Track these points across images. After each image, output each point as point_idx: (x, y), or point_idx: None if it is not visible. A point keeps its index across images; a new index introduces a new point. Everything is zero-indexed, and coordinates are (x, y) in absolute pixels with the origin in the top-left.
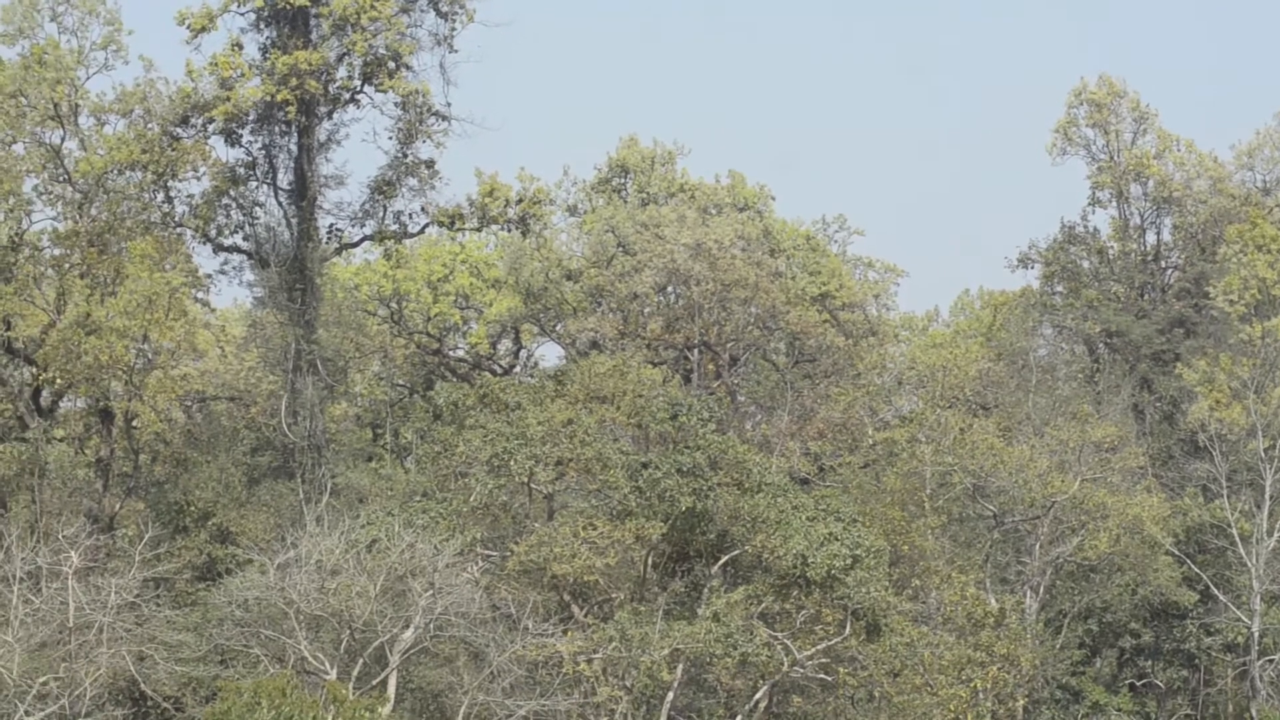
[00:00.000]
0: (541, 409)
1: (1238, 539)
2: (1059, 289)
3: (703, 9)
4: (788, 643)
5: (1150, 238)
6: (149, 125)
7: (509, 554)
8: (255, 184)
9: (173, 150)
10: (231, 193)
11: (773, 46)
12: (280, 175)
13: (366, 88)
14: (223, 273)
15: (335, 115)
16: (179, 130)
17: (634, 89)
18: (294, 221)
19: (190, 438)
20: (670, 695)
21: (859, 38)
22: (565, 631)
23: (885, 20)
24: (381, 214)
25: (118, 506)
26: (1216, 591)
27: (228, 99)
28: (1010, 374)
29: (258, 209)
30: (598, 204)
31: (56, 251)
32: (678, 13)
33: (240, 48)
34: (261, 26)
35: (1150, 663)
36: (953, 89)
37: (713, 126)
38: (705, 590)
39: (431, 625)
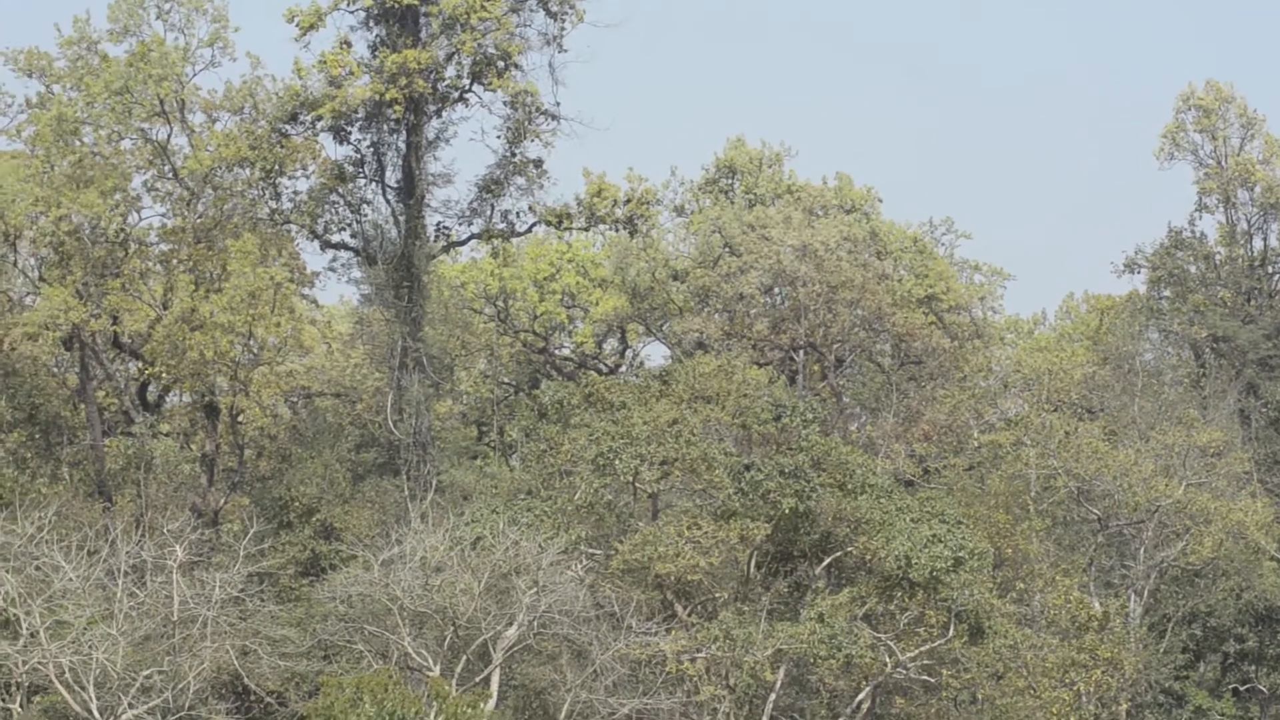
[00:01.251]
0: (647, 409)
1: None
2: (1165, 294)
3: (809, 8)
4: (891, 644)
5: (1257, 243)
6: (257, 122)
7: (613, 553)
8: (363, 181)
9: (281, 147)
10: (339, 190)
11: (882, 47)
12: (388, 173)
13: (475, 87)
14: (330, 270)
15: (444, 114)
16: (287, 127)
17: (742, 89)
18: (401, 219)
19: (295, 433)
20: (773, 696)
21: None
22: (668, 630)
23: (998, 20)
24: (489, 213)
25: (222, 501)
26: None
27: (336, 97)
28: (1116, 378)
29: (365, 206)
30: (705, 204)
31: (163, 247)
32: (786, 13)
33: (349, 46)
34: (370, 25)
35: (1254, 668)
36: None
37: (821, 127)
38: (809, 591)
39: (535, 623)
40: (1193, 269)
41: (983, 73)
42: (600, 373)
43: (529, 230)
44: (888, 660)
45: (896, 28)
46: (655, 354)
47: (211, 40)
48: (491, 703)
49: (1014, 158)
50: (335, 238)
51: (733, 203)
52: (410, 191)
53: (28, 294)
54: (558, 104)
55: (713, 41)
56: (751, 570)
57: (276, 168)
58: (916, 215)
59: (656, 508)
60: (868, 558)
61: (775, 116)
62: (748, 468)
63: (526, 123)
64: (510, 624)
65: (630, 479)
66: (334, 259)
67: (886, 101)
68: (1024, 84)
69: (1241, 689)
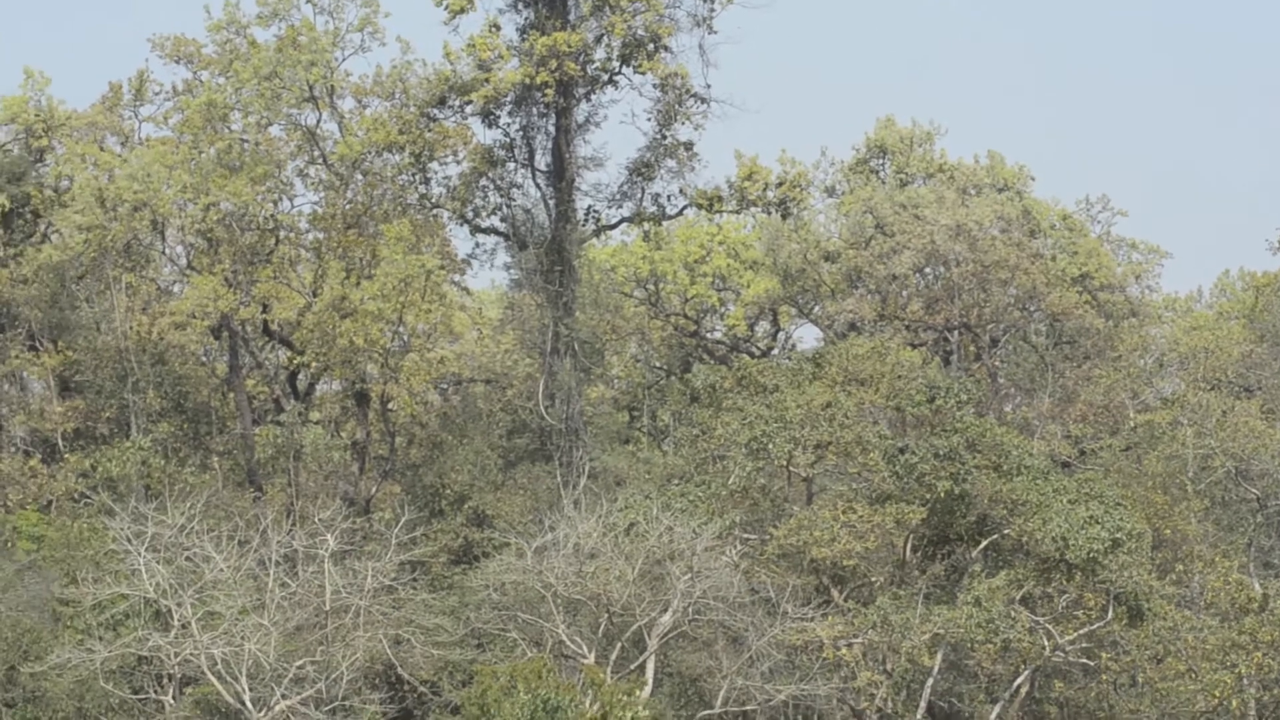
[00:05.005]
0: (800, 391)
1: None
2: None
3: None
4: (1049, 627)
5: None
6: (406, 107)
7: (768, 537)
8: (513, 166)
9: (430, 132)
10: (489, 174)
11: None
12: (538, 157)
13: (625, 69)
14: (475, 257)
15: (593, 97)
16: (436, 112)
17: (892, 68)
18: (551, 203)
19: (446, 420)
20: (930, 680)
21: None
22: (825, 616)
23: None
24: (639, 196)
25: (374, 489)
26: None
27: (486, 81)
28: (1273, 355)
29: (515, 191)
30: (855, 185)
31: (314, 234)
32: None
33: (498, 29)
34: (519, 8)
35: None
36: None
37: (972, 104)
38: (965, 574)
39: (690, 609)
40: None
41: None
42: (752, 356)
43: (680, 213)
44: (1046, 643)
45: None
46: (808, 336)
47: (361, 25)
48: (647, 690)
49: (1169, 136)
50: (485, 222)
51: (884, 183)
52: (560, 175)
53: (176, 282)
54: (708, 86)
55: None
56: (907, 554)
57: (426, 153)
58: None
59: (811, 492)
60: (1024, 540)
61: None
62: (902, 450)
63: (677, 105)
64: (665, 610)
65: (784, 463)
66: (482, 244)
67: (1035, 78)
68: (1180, 63)
69: None
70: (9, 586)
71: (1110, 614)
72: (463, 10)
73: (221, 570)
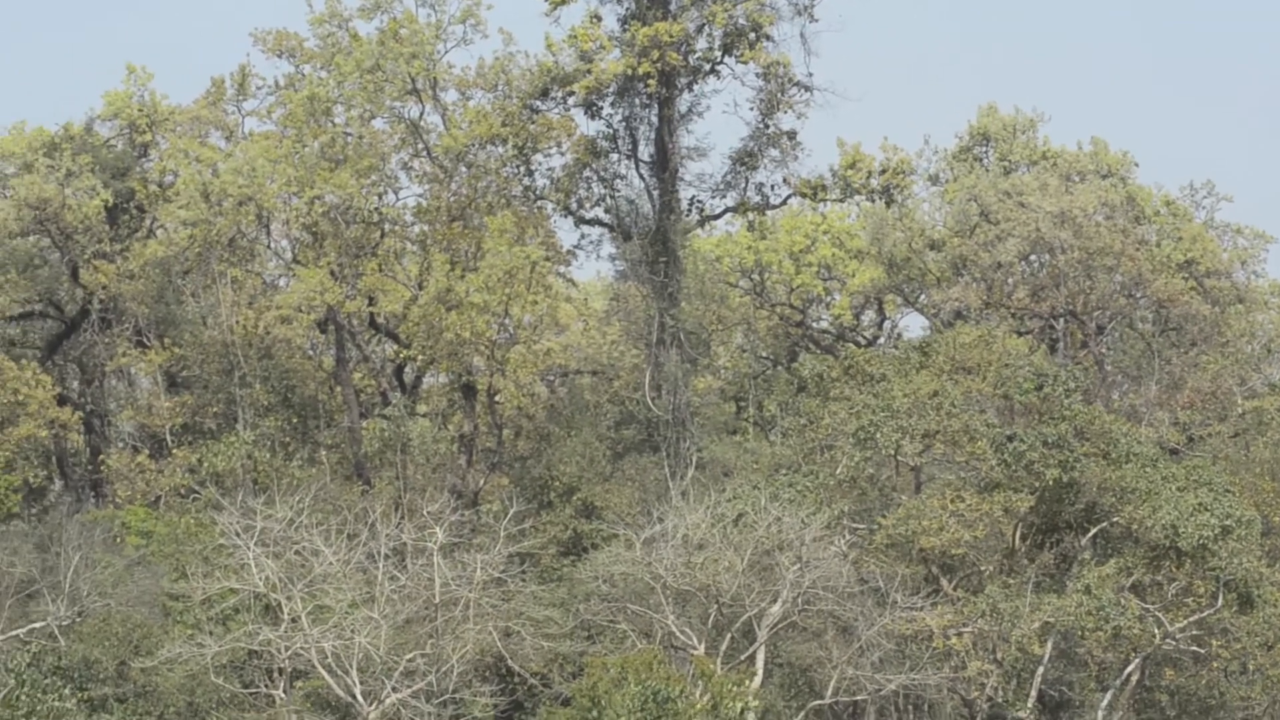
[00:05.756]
0: (907, 380)
1: None
2: None
3: None
4: (1159, 615)
5: None
6: (509, 99)
7: (876, 527)
8: (616, 157)
9: (533, 124)
10: (592, 165)
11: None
12: (641, 147)
13: (727, 59)
14: (580, 248)
15: (695, 87)
16: (539, 104)
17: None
18: (655, 194)
19: (553, 412)
20: (1040, 669)
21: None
22: (934, 605)
23: None
24: (743, 185)
25: (481, 482)
26: None
27: (588, 72)
28: None
29: (619, 181)
30: (959, 173)
31: (418, 227)
32: None
33: (599, 20)
34: None
35: None
36: None
37: (1073, 90)
38: (1075, 562)
39: (799, 599)
40: None
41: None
42: (858, 345)
43: (784, 202)
44: (1156, 631)
45: None
46: (913, 325)
47: (464, 17)
48: (757, 680)
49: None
50: (589, 214)
51: (987, 170)
52: (664, 165)
53: (281, 276)
54: (810, 74)
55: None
56: (1016, 542)
57: (529, 144)
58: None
59: (919, 481)
60: (1133, 527)
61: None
62: (1010, 439)
63: (779, 94)
64: (774, 601)
65: (892, 452)
66: (586, 235)
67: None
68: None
69: None
70: (119, 582)
71: (1220, 601)
72: (564, 1)
73: (330, 564)
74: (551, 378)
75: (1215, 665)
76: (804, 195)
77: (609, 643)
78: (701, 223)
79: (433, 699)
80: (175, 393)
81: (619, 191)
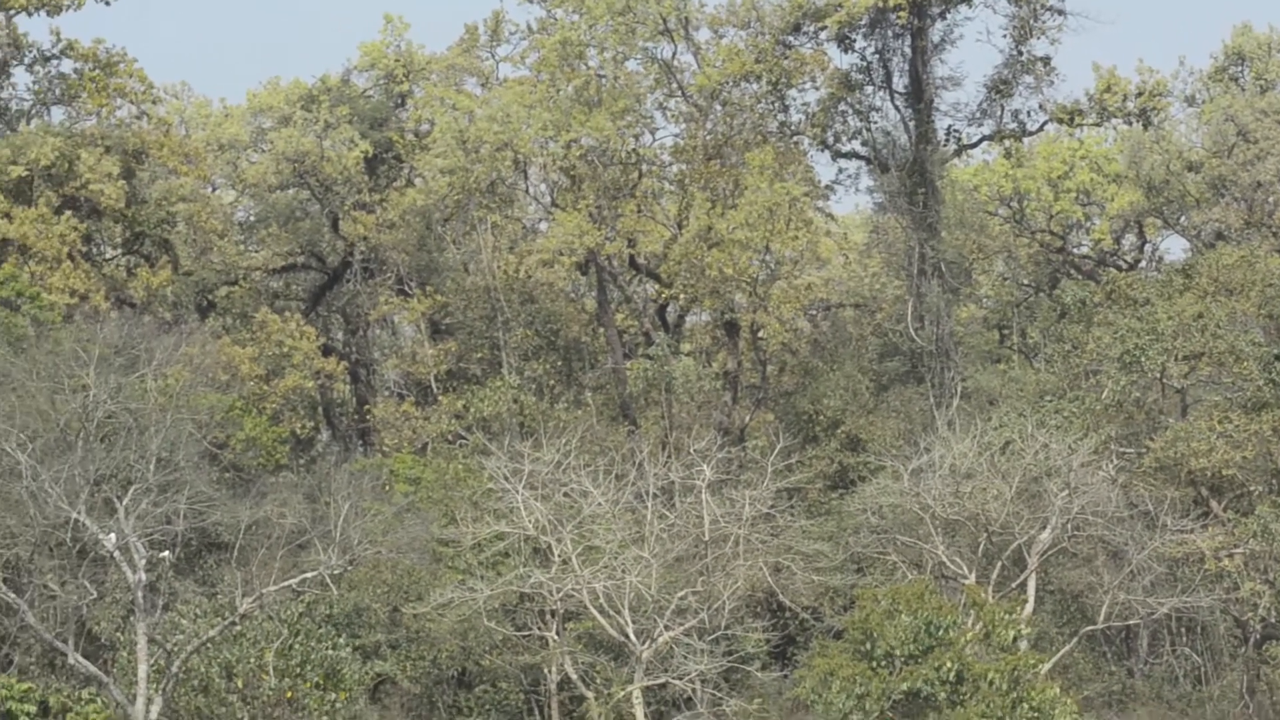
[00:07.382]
0: (1170, 303)
1: None
2: None
3: None
4: None
5: None
6: (761, 35)
7: (1144, 450)
8: (871, 89)
9: (787, 59)
10: (847, 99)
11: None
12: (895, 79)
13: None
14: (838, 181)
15: (948, 16)
16: (791, 39)
17: None
18: (911, 125)
19: (816, 346)
20: None
21: None
22: (1204, 527)
23: None
24: (999, 113)
25: (747, 418)
26: None
27: (839, 5)
28: None
29: (874, 114)
30: (1215, 93)
31: (676, 167)
32: None
33: None
34: None
35: None
36: None
37: None
38: None
39: (1069, 525)
40: None
41: None
42: (1120, 269)
43: (1040, 129)
44: None
45: None
46: (1174, 247)
47: None
48: (1029, 607)
49: None
50: (846, 147)
51: (1243, 90)
52: (918, 96)
53: (540, 220)
54: None
55: None
56: None
57: (783, 80)
58: None
59: (1185, 403)
60: None
61: None
62: (1278, 357)
63: (1032, 20)
64: (1044, 527)
65: (1158, 375)
66: (843, 169)
67: None
68: None
69: None
70: (389, 529)
71: None
72: None
73: (599, 505)
74: (814, 312)
75: None
76: (1060, 121)
77: (879, 574)
78: (958, 152)
79: (705, 636)
80: (439, 340)
81: (875, 124)
